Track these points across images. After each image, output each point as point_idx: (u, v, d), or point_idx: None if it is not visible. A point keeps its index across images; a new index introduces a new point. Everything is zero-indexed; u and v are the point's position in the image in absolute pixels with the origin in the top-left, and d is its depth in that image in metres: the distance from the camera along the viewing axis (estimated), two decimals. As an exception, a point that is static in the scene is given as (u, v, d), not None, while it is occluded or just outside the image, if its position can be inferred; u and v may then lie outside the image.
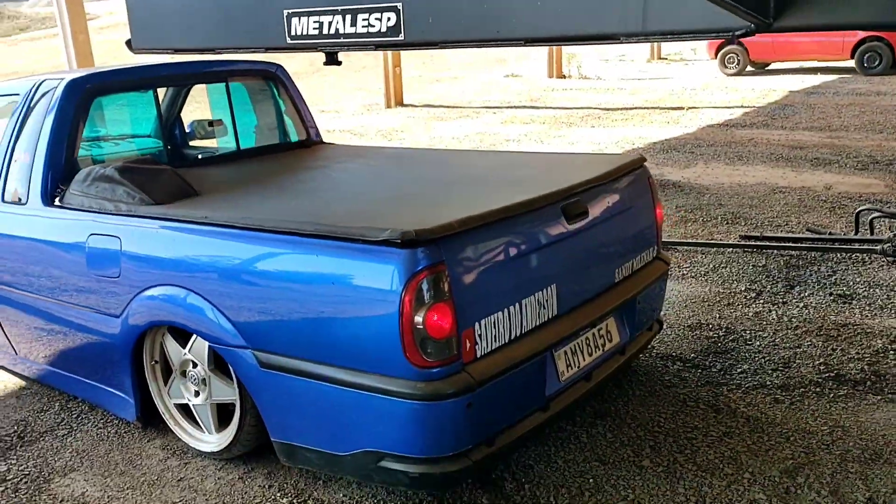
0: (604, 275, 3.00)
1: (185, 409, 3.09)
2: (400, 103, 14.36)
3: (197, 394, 2.97)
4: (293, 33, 2.71)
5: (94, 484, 2.86)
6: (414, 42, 2.46)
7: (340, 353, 2.42)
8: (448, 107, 14.12)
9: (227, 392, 2.86)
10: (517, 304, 2.55)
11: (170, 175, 3.18)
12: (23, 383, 3.72)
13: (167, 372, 3.07)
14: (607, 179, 3.04)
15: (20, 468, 3.00)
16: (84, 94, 3.43)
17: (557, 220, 2.73)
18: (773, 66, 17.71)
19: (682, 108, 12.18)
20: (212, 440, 2.96)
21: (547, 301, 2.67)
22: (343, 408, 2.46)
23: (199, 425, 3.03)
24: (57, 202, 3.26)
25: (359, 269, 2.36)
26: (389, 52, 14.00)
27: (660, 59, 23.11)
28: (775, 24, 1.81)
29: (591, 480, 2.72)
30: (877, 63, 15.55)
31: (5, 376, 3.80)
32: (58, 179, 3.33)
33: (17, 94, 3.57)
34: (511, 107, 13.68)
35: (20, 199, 3.38)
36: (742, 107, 12.03)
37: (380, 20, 2.51)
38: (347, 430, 2.49)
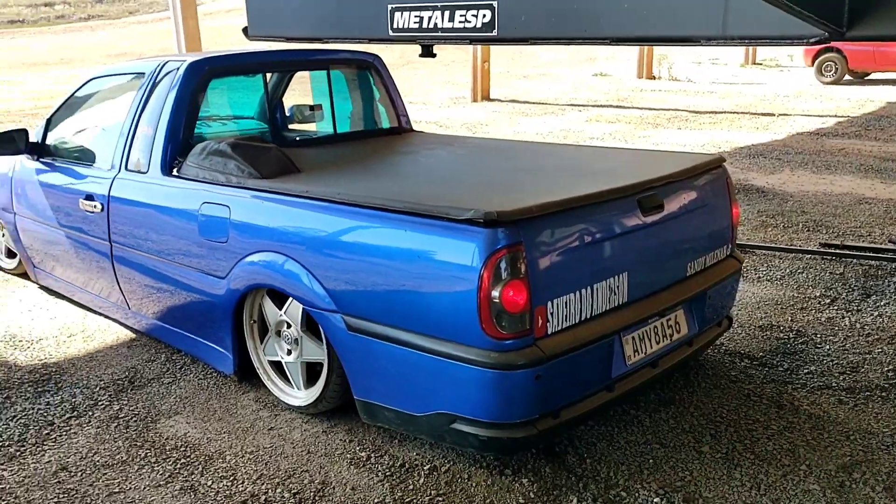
0: (675, 268, 3.13)
1: (277, 366, 3.38)
2: (486, 98, 14.57)
3: (289, 352, 3.25)
4: (395, 26, 2.94)
5: (195, 427, 3.17)
6: (506, 38, 2.64)
7: (421, 321, 2.64)
8: (534, 103, 14.25)
9: (317, 352, 3.12)
10: (589, 288, 2.72)
11: (275, 152, 3.47)
12: (133, 335, 4.10)
13: (263, 331, 3.36)
14: (685, 176, 3.16)
15: (130, 408, 3.34)
16: (203, 75, 3.76)
17: (633, 211, 2.88)
18: (872, 76, 17.13)
19: (772, 115, 11.99)
20: (300, 395, 3.24)
21: (618, 287, 2.83)
22: (421, 371, 2.68)
23: (290, 381, 3.30)
24: (175, 172, 3.60)
25: (442, 245, 2.57)
26: (479, 48, 14.22)
27: (754, 63, 22.62)
28: (848, 33, 1.92)
29: (650, 461, 2.87)
30: None
31: (118, 328, 4.19)
32: (176, 152, 3.67)
33: (143, 73, 3.93)
34: (597, 105, 13.72)
35: (141, 169, 3.73)
36: (835, 116, 11.76)
37: (476, 16, 2.71)
38: (424, 392, 2.71)
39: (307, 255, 2.94)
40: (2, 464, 2.93)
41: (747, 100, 14.00)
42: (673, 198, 3.08)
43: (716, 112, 12.53)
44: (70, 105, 4.38)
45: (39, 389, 3.52)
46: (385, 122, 4.61)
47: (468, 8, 2.71)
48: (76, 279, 4.35)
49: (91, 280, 4.19)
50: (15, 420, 3.25)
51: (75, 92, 4.34)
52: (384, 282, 2.73)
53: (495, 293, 2.46)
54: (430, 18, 2.84)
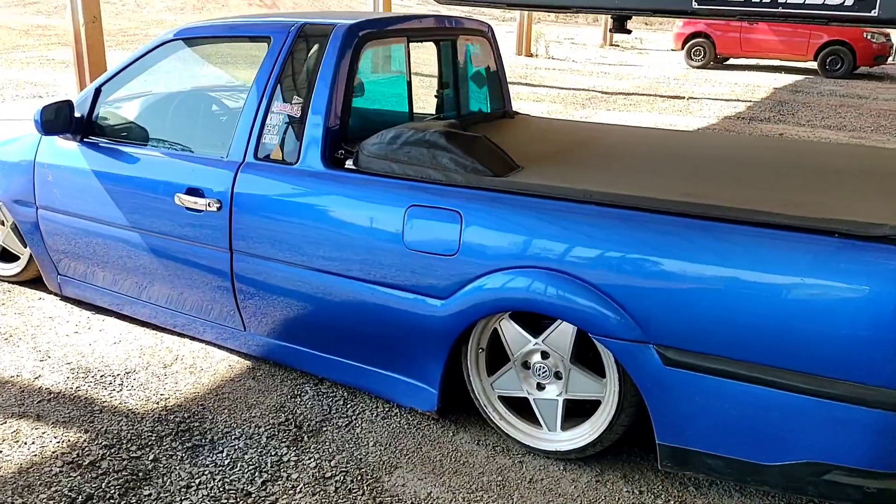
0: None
1: (508, 402, 2.83)
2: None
3: (540, 387, 2.71)
4: (709, -6, 2.46)
5: (433, 484, 2.56)
6: (888, 19, 2.26)
7: (793, 355, 2.22)
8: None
9: (590, 387, 2.62)
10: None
11: (486, 142, 2.87)
12: (244, 361, 3.31)
13: (491, 361, 2.80)
14: None
15: (330, 463, 2.65)
16: (358, 42, 3.05)
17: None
18: (731, 62, 18.25)
19: (682, 98, 12.35)
20: (559, 439, 2.71)
21: None
22: (786, 415, 2.27)
23: (537, 421, 2.76)
24: (349, 165, 2.89)
25: (836, 265, 2.17)
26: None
27: (612, 45, 23.45)
28: None
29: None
30: (839, 66, 16.29)
31: (216, 351, 3.37)
32: (339, 138, 2.96)
33: (268, 36, 3.14)
34: (506, 82, 13.48)
35: (286, 159, 2.98)
36: (739, 100, 12.32)
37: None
38: (782, 439, 2.31)
39: (602, 275, 2.42)
40: (229, 560, 2.19)
41: (644, 82, 14.38)
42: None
43: (626, 93, 12.73)
44: (135, 72, 3.44)
45: (188, 445, 2.71)
46: (498, 104, 4.07)
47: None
48: (142, 292, 3.45)
49: (176, 293, 3.33)
50: (193, 492, 2.46)
51: (142, 56, 3.40)
52: (734, 307, 2.27)
53: None
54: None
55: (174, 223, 3.19)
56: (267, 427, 2.84)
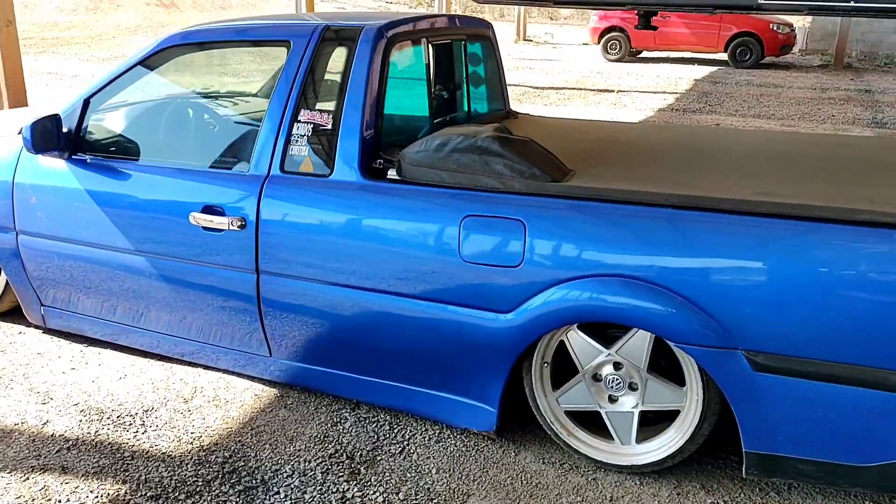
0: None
1: (573, 416, 2.71)
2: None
3: (613, 400, 2.61)
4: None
5: (513, 511, 2.43)
6: None
7: (889, 354, 2.21)
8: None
9: (669, 397, 2.53)
10: None
11: (539, 148, 2.74)
12: (271, 389, 3.07)
13: (555, 375, 2.68)
14: None
15: (399, 496, 2.47)
16: (388, 44, 2.87)
17: None
18: (644, 54, 18.70)
19: (612, 91, 12.54)
20: (634, 452, 2.61)
21: None
22: (883, 415, 2.24)
23: (603, 434, 2.66)
24: (392, 174, 2.71)
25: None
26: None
27: (525, 40, 23.66)
28: None
29: None
30: (748, 57, 16.92)
31: (244, 383, 3.12)
32: (375, 147, 2.78)
33: (288, 40, 2.91)
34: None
35: (315, 170, 2.77)
36: (666, 92, 12.60)
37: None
38: (880, 438, 2.28)
39: (684, 280, 2.33)
40: None
41: (571, 76, 14.53)
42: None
43: (556, 88, 12.82)
44: (130, 80, 3.13)
45: (239, 488, 2.47)
46: (500, 104, 3.94)
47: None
48: (144, 320, 3.17)
49: (186, 320, 3.06)
50: (264, 543, 2.24)
51: (138, 62, 3.10)
52: (828, 308, 2.22)
53: None
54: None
55: (188, 245, 2.93)
56: (317, 461, 2.63)
